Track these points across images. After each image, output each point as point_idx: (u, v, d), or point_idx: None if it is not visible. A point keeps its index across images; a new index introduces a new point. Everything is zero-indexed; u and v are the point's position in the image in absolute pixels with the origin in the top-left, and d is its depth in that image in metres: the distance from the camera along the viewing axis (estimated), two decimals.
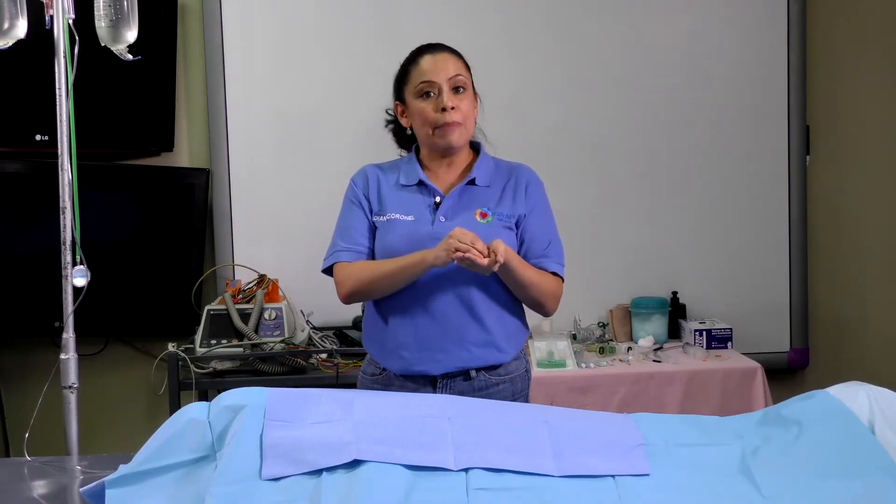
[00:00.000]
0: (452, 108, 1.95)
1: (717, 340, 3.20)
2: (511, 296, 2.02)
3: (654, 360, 3.06)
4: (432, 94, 1.97)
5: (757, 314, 3.45)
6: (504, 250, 1.84)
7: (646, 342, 3.19)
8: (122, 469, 1.48)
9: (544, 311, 2.05)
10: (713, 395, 2.93)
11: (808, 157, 3.49)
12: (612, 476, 1.47)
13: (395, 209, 2.01)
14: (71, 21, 1.95)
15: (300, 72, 3.29)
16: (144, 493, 1.44)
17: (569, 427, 1.58)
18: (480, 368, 2.00)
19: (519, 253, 2.01)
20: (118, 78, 3.02)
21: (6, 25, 1.95)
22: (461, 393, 1.98)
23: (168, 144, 3.25)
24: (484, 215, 1.99)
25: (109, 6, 1.93)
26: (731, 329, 3.22)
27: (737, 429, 1.62)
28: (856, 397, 1.61)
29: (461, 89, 1.98)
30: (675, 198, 3.44)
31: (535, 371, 2.93)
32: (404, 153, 2.13)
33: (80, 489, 1.54)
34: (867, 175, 3.58)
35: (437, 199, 2.01)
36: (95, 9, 1.94)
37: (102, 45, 1.97)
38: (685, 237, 3.45)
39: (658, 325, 3.27)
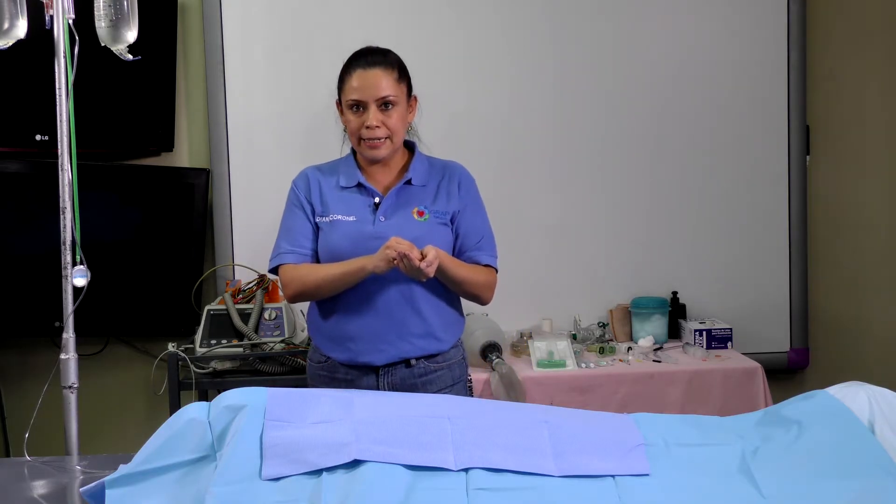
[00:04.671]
0: (377, 127, 2.06)
1: (717, 340, 3.20)
2: (446, 289, 2.14)
3: (654, 360, 3.06)
4: (360, 109, 2.08)
5: (757, 314, 3.45)
6: (434, 255, 1.95)
7: (646, 342, 3.19)
8: (122, 469, 1.48)
9: (480, 301, 2.18)
10: (713, 395, 2.93)
11: (808, 157, 3.49)
12: (612, 476, 1.48)
13: (338, 210, 2.12)
14: (71, 21, 1.95)
15: (300, 72, 3.29)
16: (144, 493, 1.44)
17: (569, 427, 1.58)
18: (420, 357, 2.12)
19: (455, 246, 2.15)
20: (118, 78, 3.02)
21: (6, 25, 1.95)
22: (402, 379, 2.12)
23: (168, 144, 3.25)
24: (421, 213, 2.11)
25: (109, 6, 1.93)
26: (731, 329, 3.22)
27: (737, 429, 1.62)
28: (856, 397, 1.61)
29: (390, 105, 2.07)
30: (675, 198, 3.44)
31: (535, 371, 2.94)
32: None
33: (80, 489, 1.54)
34: (867, 175, 3.59)
35: (377, 199, 2.12)
36: (95, 9, 1.94)
37: (102, 45, 1.97)
38: (685, 237, 3.45)
39: (658, 325, 3.27)
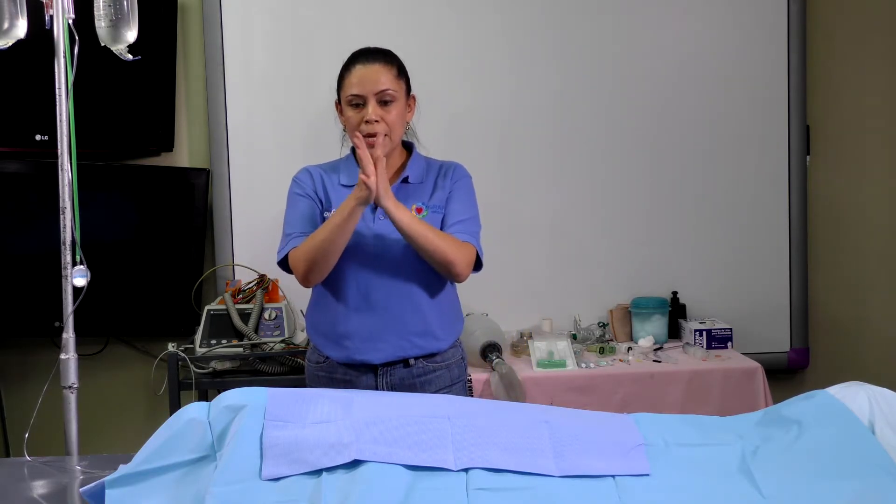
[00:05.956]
0: (376, 122, 2.06)
1: (717, 340, 3.20)
2: (445, 287, 2.15)
3: (654, 360, 3.06)
4: (360, 105, 2.08)
5: (757, 314, 3.45)
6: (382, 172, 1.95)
7: (646, 342, 3.19)
8: (122, 469, 1.47)
9: (453, 273, 2.09)
10: (713, 395, 2.93)
11: (808, 157, 3.49)
12: (612, 476, 1.47)
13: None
14: (71, 21, 1.95)
15: (300, 72, 3.29)
16: (144, 493, 1.44)
17: (569, 427, 1.57)
18: (419, 357, 2.12)
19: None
20: (118, 78, 3.02)
21: (6, 25, 1.94)
22: (401, 379, 2.12)
23: (168, 144, 3.25)
24: (419, 210, 2.13)
25: (109, 6, 1.93)
26: (731, 329, 3.22)
27: (737, 429, 1.62)
28: (856, 397, 1.61)
29: (389, 101, 2.08)
30: (675, 198, 3.44)
31: (535, 371, 2.94)
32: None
33: (80, 489, 1.54)
34: (867, 175, 3.59)
35: None
36: (95, 9, 1.94)
37: (102, 45, 1.97)
38: (685, 237, 3.45)
39: (658, 325, 3.27)
